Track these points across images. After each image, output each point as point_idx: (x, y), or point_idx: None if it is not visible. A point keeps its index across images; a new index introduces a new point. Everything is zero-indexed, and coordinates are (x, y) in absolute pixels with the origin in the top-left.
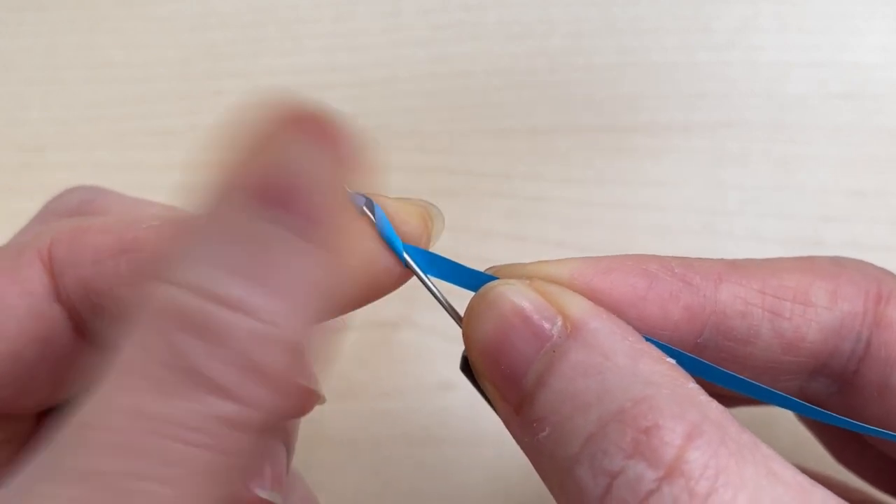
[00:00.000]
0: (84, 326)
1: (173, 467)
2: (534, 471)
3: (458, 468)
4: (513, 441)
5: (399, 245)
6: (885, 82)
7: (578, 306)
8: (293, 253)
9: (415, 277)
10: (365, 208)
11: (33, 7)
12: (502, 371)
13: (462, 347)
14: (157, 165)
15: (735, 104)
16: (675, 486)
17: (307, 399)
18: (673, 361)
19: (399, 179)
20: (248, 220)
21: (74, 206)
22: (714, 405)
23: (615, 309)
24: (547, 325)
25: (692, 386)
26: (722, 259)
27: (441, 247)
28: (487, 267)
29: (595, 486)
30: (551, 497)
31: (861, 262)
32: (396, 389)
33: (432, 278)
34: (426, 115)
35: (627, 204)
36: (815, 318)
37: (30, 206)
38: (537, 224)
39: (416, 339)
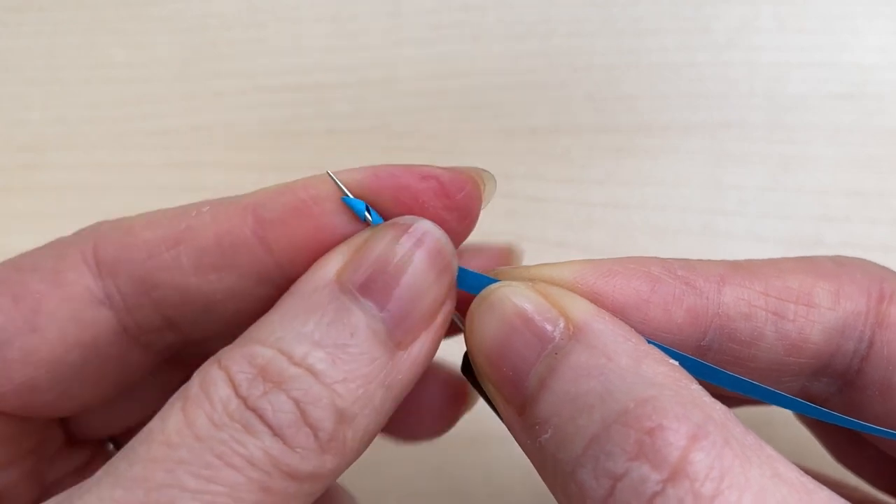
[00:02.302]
0: (136, 327)
1: (218, 488)
2: (534, 471)
3: (459, 468)
4: (513, 441)
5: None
6: (885, 82)
7: (581, 308)
8: (374, 342)
9: None
10: (367, 214)
11: (33, 7)
12: (504, 373)
13: (464, 348)
14: (157, 165)
15: (735, 104)
16: (680, 488)
17: (341, 468)
18: (676, 363)
19: None
20: (343, 303)
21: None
22: (718, 406)
23: (618, 312)
24: (549, 327)
25: (695, 387)
26: (724, 260)
27: None
28: (488, 270)
29: (598, 489)
30: (551, 497)
31: (862, 260)
32: None
33: None
34: (426, 115)
35: (627, 204)
36: (819, 319)
37: (30, 207)
38: (537, 224)
39: None
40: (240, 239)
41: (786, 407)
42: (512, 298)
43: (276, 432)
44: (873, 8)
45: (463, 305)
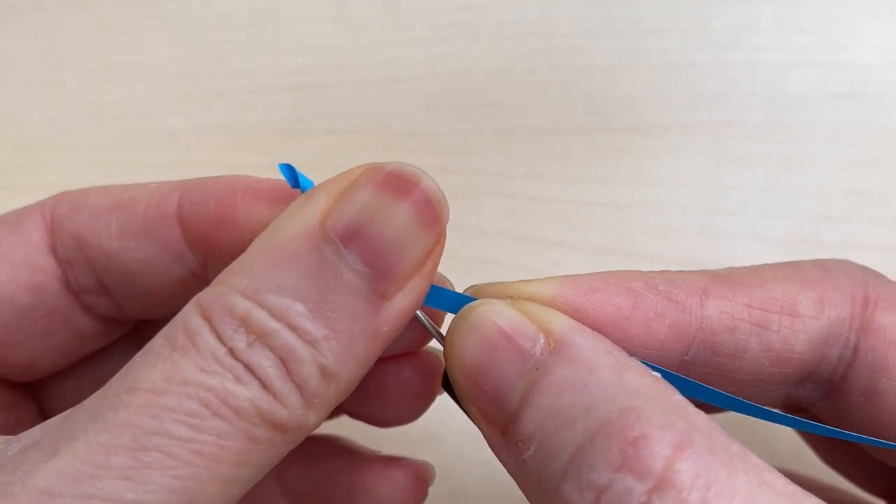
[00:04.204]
0: (75, 282)
1: (206, 437)
2: None
3: (458, 468)
4: None
5: None
6: (885, 82)
7: (561, 323)
8: (357, 298)
9: None
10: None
11: (33, 7)
12: (486, 392)
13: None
14: (157, 165)
15: (735, 104)
16: (666, 499)
17: (322, 419)
18: (658, 375)
19: None
20: (325, 253)
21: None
22: (701, 416)
23: (599, 329)
24: (529, 344)
25: (678, 398)
26: (706, 271)
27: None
28: (467, 287)
29: (582, 502)
30: None
31: (845, 263)
32: None
33: None
34: (426, 115)
35: (627, 204)
36: (803, 328)
37: None
38: (537, 224)
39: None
40: (162, 213)
41: (769, 420)
42: (491, 316)
43: (264, 384)
44: (873, 8)
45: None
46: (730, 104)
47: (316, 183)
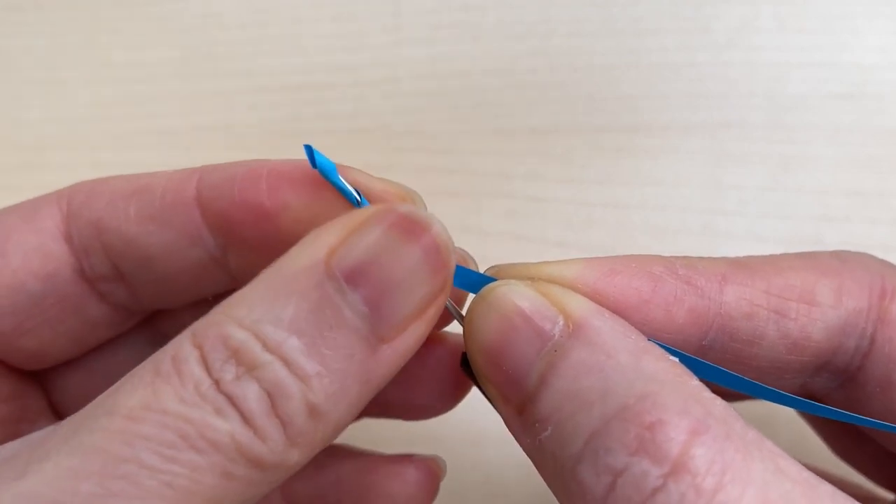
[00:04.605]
0: (90, 269)
1: (179, 469)
2: (534, 471)
3: (458, 468)
4: (513, 441)
5: None
6: (885, 82)
7: (580, 306)
8: (355, 338)
9: None
10: (358, 199)
11: (33, 7)
12: (504, 372)
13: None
14: (157, 165)
15: (735, 104)
16: (682, 483)
17: (306, 459)
18: (676, 360)
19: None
20: (327, 289)
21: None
22: (718, 402)
23: (619, 312)
24: (548, 325)
25: (695, 383)
26: (725, 258)
27: None
28: (488, 267)
29: (598, 485)
30: (551, 497)
31: (863, 255)
32: None
33: None
34: (426, 115)
35: (627, 204)
36: (821, 317)
37: None
38: (537, 224)
39: None
40: (180, 198)
41: (787, 405)
42: (511, 297)
43: (245, 419)
44: (873, 8)
45: (458, 298)
46: (730, 104)
47: (335, 162)
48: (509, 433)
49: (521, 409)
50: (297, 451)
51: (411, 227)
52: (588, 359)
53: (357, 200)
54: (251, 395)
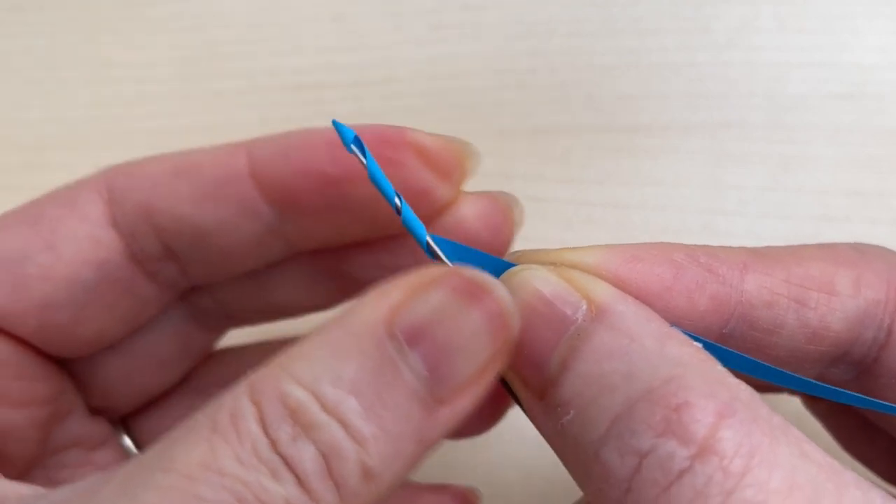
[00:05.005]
0: (140, 252)
1: None
2: (534, 471)
3: (459, 468)
4: (513, 441)
5: (423, 234)
6: (885, 82)
7: (603, 291)
8: (413, 400)
9: None
10: (396, 201)
11: (33, 7)
12: (525, 357)
13: None
14: None
15: (735, 104)
16: (709, 465)
17: None
18: (699, 345)
19: None
20: (388, 350)
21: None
22: (743, 386)
23: (641, 299)
24: (571, 310)
25: (720, 368)
26: (745, 248)
27: None
28: (509, 253)
29: (622, 467)
30: (551, 496)
31: (881, 248)
32: None
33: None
34: (426, 115)
35: (627, 204)
36: (840, 307)
37: None
38: (537, 224)
39: None
40: (233, 173)
41: (812, 393)
42: (533, 282)
43: (300, 481)
44: (873, 8)
45: None
46: (730, 104)
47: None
48: (509, 433)
49: (541, 393)
50: None
51: (475, 291)
52: (611, 343)
53: (397, 205)
54: (307, 456)
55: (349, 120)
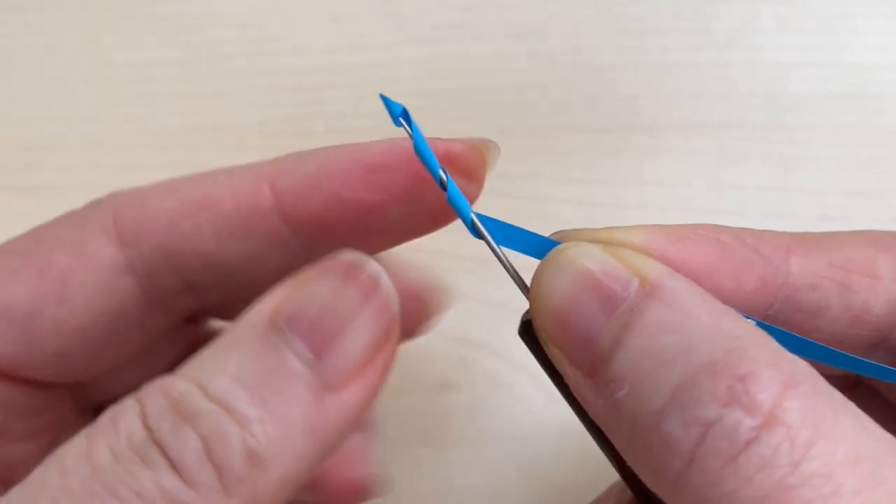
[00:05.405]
0: (157, 291)
1: None
2: (534, 471)
3: (459, 468)
4: (513, 441)
5: (467, 211)
6: (885, 82)
7: (655, 267)
8: (298, 384)
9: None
10: (441, 174)
11: (33, 7)
12: (574, 334)
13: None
14: (157, 165)
15: (735, 104)
16: (776, 435)
17: None
18: (753, 323)
19: None
20: (270, 340)
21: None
22: (801, 361)
23: (689, 278)
24: (622, 287)
25: (776, 344)
26: (788, 232)
27: (442, 247)
28: (553, 232)
29: (686, 438)
30: (551, 496)
31: None
32: (397, 389)
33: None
34: (426, 115)
35: (627, 204)
36: (883, 291)
37: (30, 207)
38: (537, 224)
39: (416, 339)
40: (257, 207)
41: (867, 373)
42: (581, 259)
43: (174, 466)
44: (873, 8)
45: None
46: (730, 104)
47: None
48: (509, 433)
49: (592, 371)
50: (235, 500)
51: (349, 271)
52: (666, 318)
53: (442, 179)
54: (186, 443)
55: (349, 120)
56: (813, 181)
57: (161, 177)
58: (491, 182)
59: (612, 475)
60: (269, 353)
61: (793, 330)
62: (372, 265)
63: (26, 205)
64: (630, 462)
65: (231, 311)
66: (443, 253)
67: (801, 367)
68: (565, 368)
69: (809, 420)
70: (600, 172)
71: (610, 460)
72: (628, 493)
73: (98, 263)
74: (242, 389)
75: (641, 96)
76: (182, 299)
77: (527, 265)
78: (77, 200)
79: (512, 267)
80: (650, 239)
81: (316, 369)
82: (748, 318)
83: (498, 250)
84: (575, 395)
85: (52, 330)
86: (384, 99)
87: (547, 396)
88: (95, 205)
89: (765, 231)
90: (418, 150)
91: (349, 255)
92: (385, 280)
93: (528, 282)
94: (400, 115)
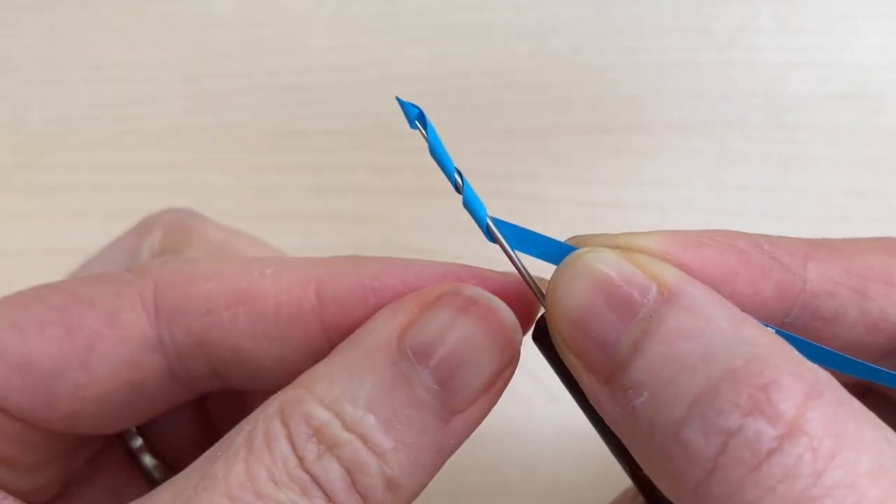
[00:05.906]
0: (184, 373)
1: None
2: (533, 471)
3: (460, 468)
4: (513, 441)
5: (484, 215)
6: (885, 82)
7: (673, 274)
8: (427, 413)
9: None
10: (457, 178)
11: (33, 7)
12: (591, 341)
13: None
14: (157, 165)
15: (735, 104)
16: (798, 445)
17: None
18: (772, 331)
19: (399, 179)
20: (401, 368)
21: (167, 221)
22: (822, 370)
23: (707, 284)
24: (640, 293)
25: (797, 353)
26: (804, 238)
27: (442, 248)
28: (569, 237)
29: (707, 447)
30: (551, 496)
31: None
32: None
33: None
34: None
35: (627, 204)
36: None
37: (29, 207)
38: (537, 224)
39: None
40: (299, 313)
41: (884, 382)
42: (599, 265)
43: (329, 497)
44: (873, 8)
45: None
46: (730, 104)
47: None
48: (509, 433)
49: (609, 377)
50: None
51: (478, 309)
52: (686, 324)
53: (457, 183)
54: (333, 473)
55: (349, 120)
56: (813, 181)
57: (161, 177)
58: (491, 182)
59: (612, 475)
60: (399, 384)
61: (810, 337)
62: (488, 297)
63: (25, 205)
64: (647, 470)
65: (247, 386)
66: (445, 255)
67: (823, 377)
68: (581, 374)
69: (832, 430)
70: (600, 172)
71: (623, 466)
72: (641, 499)
73: (129, 335)
74: (375, 419)
75: (641, 96)
76: (207, 383)
77: (540, 268)
78: (77, 200)
79: (526, 271)
80: (667, 245)
81: (442, 398)
82: (766, 325)
83: (513, 254)
84: (590, 401)
85: (70, 393)
86: (400, 101)
87: (547, 396)
88: (140, 271)
89: (782, 237)
90: (433, 152)
91: (473, 291)
92: (511, 320)
93: (542, 287)
94: (416, 117)
